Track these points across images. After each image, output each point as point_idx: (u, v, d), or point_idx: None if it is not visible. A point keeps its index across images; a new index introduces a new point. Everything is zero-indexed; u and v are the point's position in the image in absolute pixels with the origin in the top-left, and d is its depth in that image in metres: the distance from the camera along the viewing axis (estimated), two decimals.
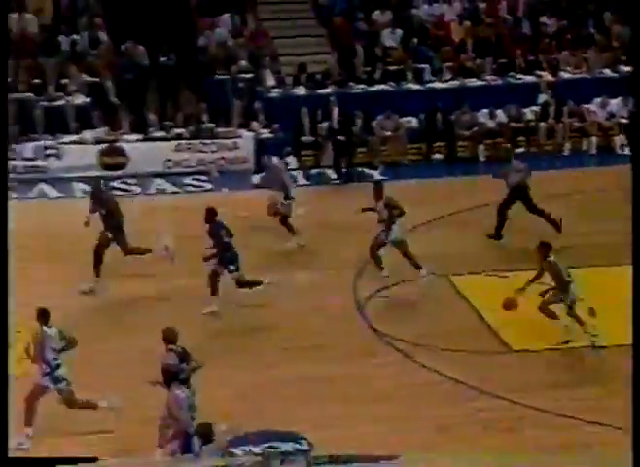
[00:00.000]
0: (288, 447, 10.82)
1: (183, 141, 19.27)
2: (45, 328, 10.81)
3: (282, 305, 13.76)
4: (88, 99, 19.60)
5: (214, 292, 13.44)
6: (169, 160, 19.16)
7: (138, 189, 18.57)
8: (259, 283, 13.63)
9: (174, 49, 20.38)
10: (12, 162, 18.43)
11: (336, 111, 19.55)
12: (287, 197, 15.64)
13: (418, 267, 14.17)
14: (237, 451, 10.58)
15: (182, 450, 9.94)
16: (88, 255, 14.22)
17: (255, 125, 19.78)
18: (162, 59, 20.36)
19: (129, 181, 18.84)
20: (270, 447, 10.81)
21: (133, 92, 19.88)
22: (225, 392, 11.65)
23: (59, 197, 18.09)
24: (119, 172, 18.95)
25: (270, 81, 20.56)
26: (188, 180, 18.81)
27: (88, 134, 19.18)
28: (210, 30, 20.91)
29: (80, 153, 18.88)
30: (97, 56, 20.19)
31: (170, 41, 20.40)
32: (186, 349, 10.84)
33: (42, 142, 18.82)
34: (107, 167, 18.96)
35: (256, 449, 10.73)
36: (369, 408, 11.41)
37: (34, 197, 17.98)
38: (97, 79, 19.90)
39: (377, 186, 14.66)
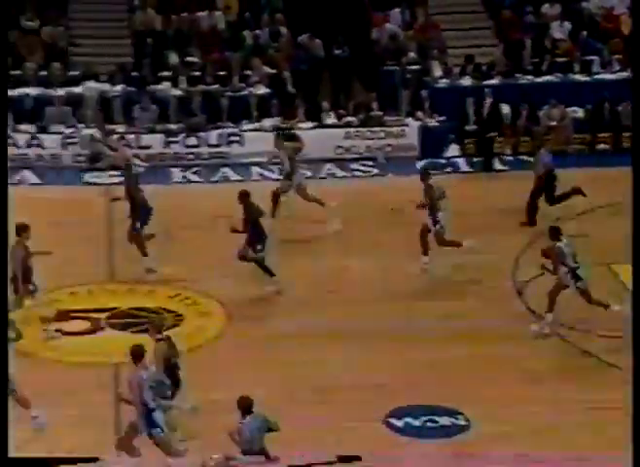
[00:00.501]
0: (446, 421, 11.24)
1: (352, 129, 19.83)
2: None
3: (440, 286, 14.12)
4: (269, 90, 20.43)
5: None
6: (340, 146, 19.80)
7: (310, 173, 19.29)
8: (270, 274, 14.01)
9: (348, 42, 21.01)
10: (198, 149, 19.56)
11: (488, 101, 19.70)
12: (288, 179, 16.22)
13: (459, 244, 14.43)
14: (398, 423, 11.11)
15: (147, 426, 10.17)
16: None
17: (420, 113, 20.15)
18: (337, 52, 21.04)
19: (303, 165, 19.53)
20: (429, 420, 11.25)
21: (309, 83, 20.62)
22: (385, 367, 12.18)
23: (239, 181, 18.98)
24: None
25: (438, 72, 20.92)
26: (356, 165, 19.39)
27: (267, 122, 20.02)
28: (382, 25, 21.39)
29: (259, 139, 19.63)
30: (277, 50, 21.02)
31: (345, 34, 21.05)
32: (171, 337, 11.21)
33: (226, 129, 19.73)
34: None
35: (415, 422, 11.22)
36: (523, 389, 11.67)
37: (217, 181, 18.85)
38: (276, 70, 20.71)
39: (425, 172, 15.29)
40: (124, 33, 21.36)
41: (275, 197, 16.19)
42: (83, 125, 19.25)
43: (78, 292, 14.16)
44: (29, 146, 18.92)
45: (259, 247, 13.90)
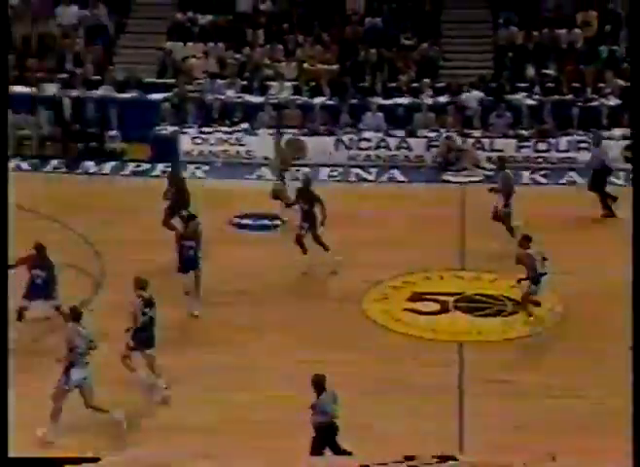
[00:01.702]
0: None
1: None
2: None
3: None
4: (620, 101, 20.32)
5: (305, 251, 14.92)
6: None
7: None
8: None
9: None
10: (547, 154, 19.87)
11: None
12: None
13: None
14: None
15: (64, 378, 10.57)
16: None
17: None
18: None
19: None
20: None
21: None
22: None
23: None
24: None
25: None
26: None
27: (616, 131, 20.04)
28: None
29: (608, 147, 19.11)
30: None
31: None
32: (152, 297, 11.51)
33: (575, 137, 19.98)
34: (628, 160, 19.51)
35: None
36: None
37: (563, 184, 19.13)
38: (629, 83, 20.46)
39: (501, 159, 16.78)
40: (487, 48, 22.28)
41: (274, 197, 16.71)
42: (444, 130, 20.34)
43: (431, 277, 15.10)
44: (398, 148, 20.21)
45: (305, 225, 14.93)
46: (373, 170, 19.73)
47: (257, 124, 20.83)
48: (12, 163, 19.47)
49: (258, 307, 13.94)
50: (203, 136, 20.55)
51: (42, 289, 12.93)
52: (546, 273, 13.24)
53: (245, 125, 20.86)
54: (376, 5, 22.81)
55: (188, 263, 13.75)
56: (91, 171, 19.82)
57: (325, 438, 9.85)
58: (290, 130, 20.61)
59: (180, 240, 13.90)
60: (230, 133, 20.63)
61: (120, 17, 23.38)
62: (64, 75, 21.76)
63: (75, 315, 11.09)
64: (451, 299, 14.35)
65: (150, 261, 14.61)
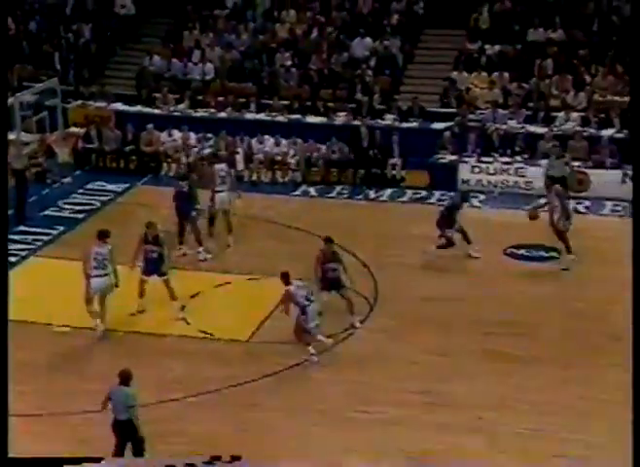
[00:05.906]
0: None
1: None
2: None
3: None
4: None
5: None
6: None
7: None
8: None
9: None
10: None
11: None
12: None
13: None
14: None
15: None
16: None
17: None
18: None
19: None
20: None
21: None
22: None
23: None
24: None
25: None
26: None
27: None
28: None
29: None
30: None
31: None
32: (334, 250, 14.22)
33: None
34: None
35: None
36: None
37: None
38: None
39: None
40: None
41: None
42: None
43: None
44: None
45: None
46: None
47: (538, 154, 20.49)
48: (298, 190, 20.85)
49: (532, 340, 13.86)
50: (482, 166, 20.49)
51: (156, 264, 14.25)
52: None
53: (526, 156, 20.61)
54: None
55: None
56: (371, 197, 20.39)
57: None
58: (574, 162, 20.03)
59: None
60: (509, 163, 20.47)
61: (410, 48, 23.90)
62: (353, 105, 22.53)
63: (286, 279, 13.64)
64: None
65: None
